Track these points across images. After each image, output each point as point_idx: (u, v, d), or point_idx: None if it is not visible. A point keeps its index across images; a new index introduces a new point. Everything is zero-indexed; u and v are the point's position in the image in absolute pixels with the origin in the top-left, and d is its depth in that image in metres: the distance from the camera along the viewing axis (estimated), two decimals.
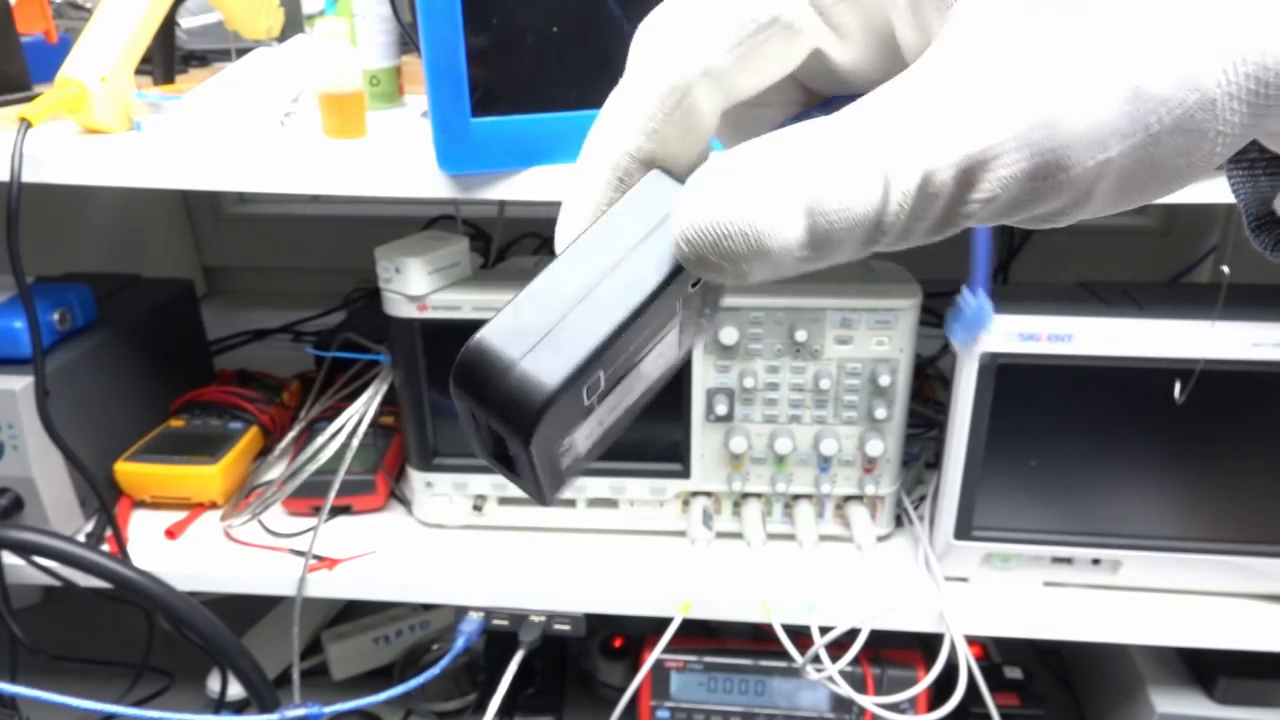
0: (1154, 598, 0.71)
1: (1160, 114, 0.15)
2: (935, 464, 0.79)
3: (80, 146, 0.65)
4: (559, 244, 0.20)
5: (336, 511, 0.79)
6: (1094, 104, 0.15)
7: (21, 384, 0.70)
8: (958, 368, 0.67)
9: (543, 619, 0.74)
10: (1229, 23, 0.15)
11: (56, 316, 0.76)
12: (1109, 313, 0.65)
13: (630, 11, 0.56)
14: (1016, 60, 0.16)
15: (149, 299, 0.91)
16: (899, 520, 0.79)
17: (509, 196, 0.61)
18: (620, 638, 0.97)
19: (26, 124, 0.62)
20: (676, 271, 0.19)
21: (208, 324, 1.01)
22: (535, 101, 0.57)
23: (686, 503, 0.78)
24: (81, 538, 0.77)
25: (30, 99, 0.67)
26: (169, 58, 0.82)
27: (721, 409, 0.73)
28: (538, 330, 0.18)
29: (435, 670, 0.71)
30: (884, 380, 0.70)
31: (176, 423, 0.87)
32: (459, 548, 0.78)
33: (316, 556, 0.75)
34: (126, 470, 0.81)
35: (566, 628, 0.74)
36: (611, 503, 0.78)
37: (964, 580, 0.73)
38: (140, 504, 0.83)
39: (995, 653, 0.91)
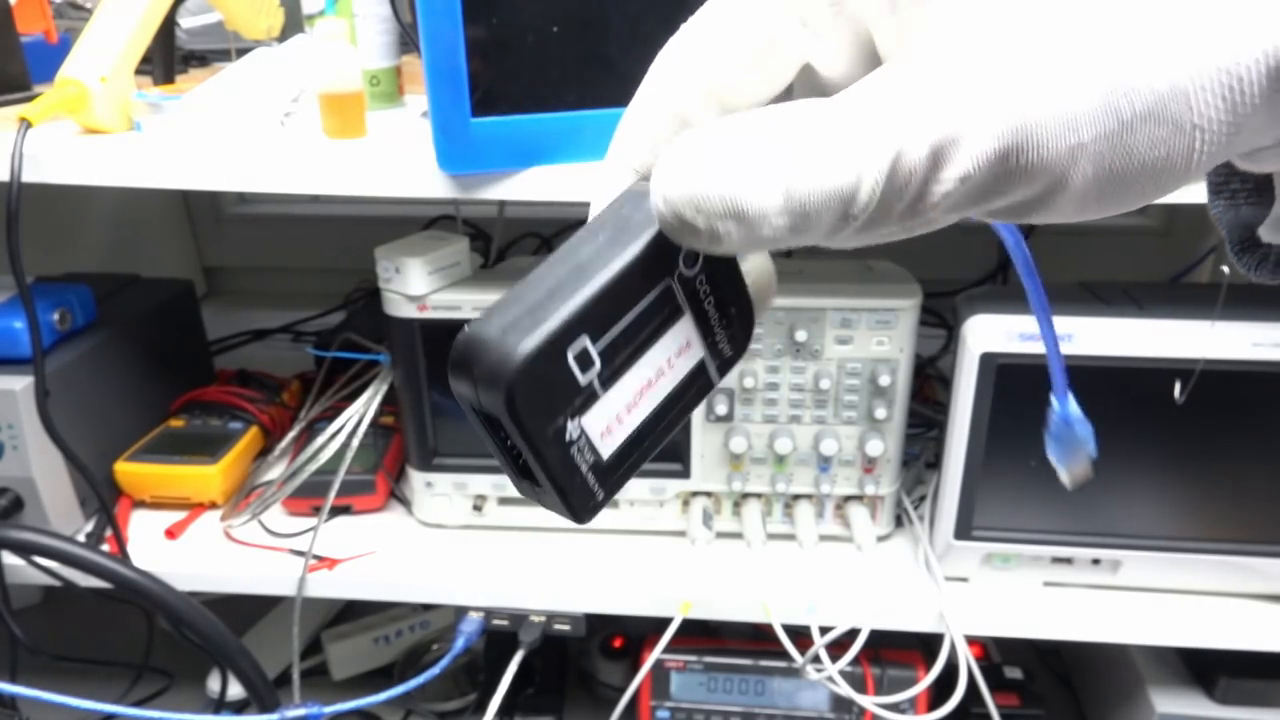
0: (1154, 598, 0.71)
1: (1131, 99, 0.16)
2: (935, 464, 0.79)
3: (80, 146, 0.65)
4: None
5: (336, 511, 0.79)
6: (1064, 87, 0.16)
7: (21, 384, 0.70)
8: (957, 368, 0.67)
9: (543, 619, 0.74)
10: (1201, 16, 0.15)
11: (56, 316, 0.76)
12: (1109, 313, 0.65)
13: (630, 12, 0.56)
14: (988, 47, 0.16)
15: (149, 299, 0.91)
16: (899, 520, 0.79)
17: (509, 196, 0.61)
18: (620, 638, 0.97)
19: (26, 124, 0.62)
20: (656, 242, 0.20)
21: (208, 324, 1.01)
22: (535, 101, 0.57)
23: (686, 503, 0.78)
24: (81, 538, 0.77)
25: (30, 99, 0.67)
26: (169, 58, 0.82)
27: (721, 409, 0.73)
28: (518, 311, 0.19)
29: (435, 670, 0.71)
30: (884, 380, 0.70)
31: (176, 423, 0.87)
32: (459, 548, 0.78)
33: (316, 556, 0.75)
34: (126, 470, 0.81)
35: (566, 628, 0.74)
36: (611, 502, 0.78)
37: (964, 580, 0.73)
38: (140, 504, 0.83)
39: (995, 653, 0.91)
